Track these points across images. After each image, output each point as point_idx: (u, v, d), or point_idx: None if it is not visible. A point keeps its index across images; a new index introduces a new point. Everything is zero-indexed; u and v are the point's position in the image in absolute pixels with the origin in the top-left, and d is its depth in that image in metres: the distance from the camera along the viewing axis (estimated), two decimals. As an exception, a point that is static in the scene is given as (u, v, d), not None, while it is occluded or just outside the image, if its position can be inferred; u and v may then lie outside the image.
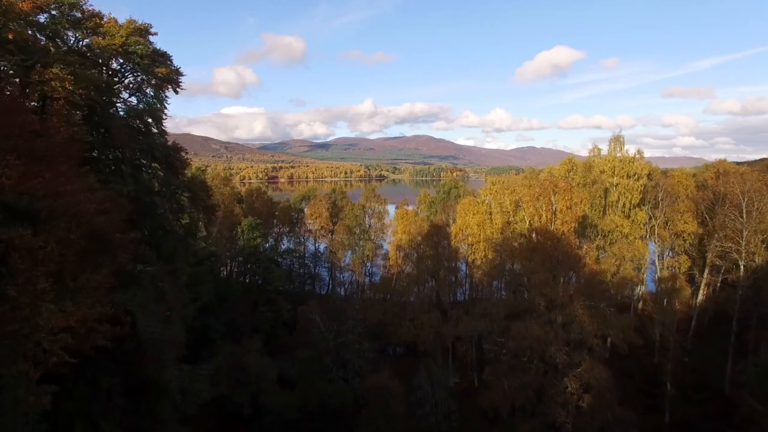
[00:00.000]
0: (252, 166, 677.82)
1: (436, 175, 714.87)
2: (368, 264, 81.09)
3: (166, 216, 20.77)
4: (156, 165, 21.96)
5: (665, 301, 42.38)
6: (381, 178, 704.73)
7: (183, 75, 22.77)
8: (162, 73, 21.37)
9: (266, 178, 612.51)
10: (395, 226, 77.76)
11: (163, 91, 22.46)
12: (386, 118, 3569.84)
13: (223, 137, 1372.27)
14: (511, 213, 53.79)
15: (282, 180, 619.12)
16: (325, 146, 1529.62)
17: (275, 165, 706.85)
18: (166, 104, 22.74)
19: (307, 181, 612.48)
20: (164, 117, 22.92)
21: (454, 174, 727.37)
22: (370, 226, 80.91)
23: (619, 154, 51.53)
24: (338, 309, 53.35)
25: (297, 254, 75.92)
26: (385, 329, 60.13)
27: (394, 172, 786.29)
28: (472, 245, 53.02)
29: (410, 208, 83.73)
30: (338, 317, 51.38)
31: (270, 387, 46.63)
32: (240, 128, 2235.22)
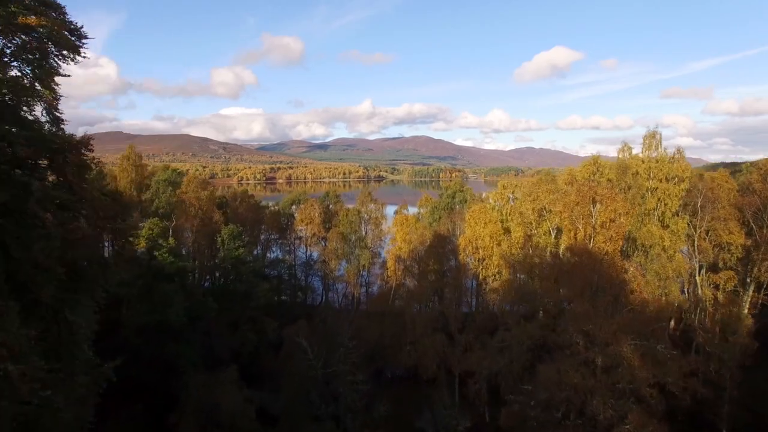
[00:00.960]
0: (250, 167, 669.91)
1: (435, 175, 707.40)
2: (364, 273, 73.70)
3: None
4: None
5: (718, 328, 35.04)
6: (380, 178, 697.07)
7: (85, 37, 15.41)
8: (36, 25, 13.63)
9: (264, 179, 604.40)
10: (394, 233, 70.39)
11: (52, 56, 14.88)
12: (385, 119, 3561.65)
13: (221, 138, 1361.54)
14: (533, 224, 46.37)
15: (280, 181, 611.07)
16: (323, 147, 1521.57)
17: (273, 166, 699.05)
18: (55, 78, 15.18)
19: (305, 182, 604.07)
20: (56, 97, 15.44)
21: (453, 174, 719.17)
22: (366, 233, 73.46)
23: (654, 154, 44.24)
24: (329, 330, 46.04)
25: (286, 264, 68.39)
26: (382, 351, 52.78)
27: (392, 173, 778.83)
28: (483, 260, 45.52)
29: (410, 212, 76.33)
30: (329, 341, 44.07)
31: (247, 427, 39.26)
32: (238, 129, 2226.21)
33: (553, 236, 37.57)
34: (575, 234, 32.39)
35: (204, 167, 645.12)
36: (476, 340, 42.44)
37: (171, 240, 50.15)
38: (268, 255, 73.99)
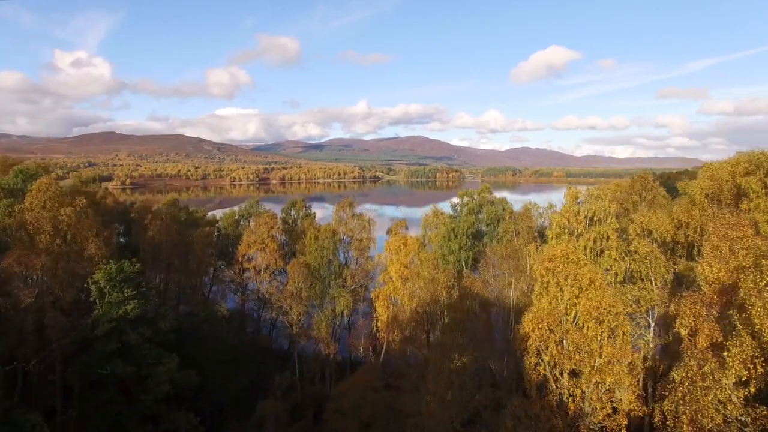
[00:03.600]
0: (243, 168, 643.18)
1: (431, 176, 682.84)
2: (344, 320, 49.47)
3: None
4: None
5: None
6: (375, 179, 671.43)
7: None
8: None
9: (257, 179, 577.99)
10: (386, 263, 46.31)
11: None
12: (381, 119, 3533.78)
13: (217, 138, 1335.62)
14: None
15: (274, 181, 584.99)
16: (319, 147, 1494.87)
17: (267, 166, 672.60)
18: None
19: (299, 183, 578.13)
20: None
21: (450, 175, 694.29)
22: (346, 263, 49.13)
23: None
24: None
25: (221, 315, 43.75)
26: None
27: (388, 173, 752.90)
28: (579, 374, 20.80)
29: (409, 232, 52.00)
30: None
31: None
32: (234, 129, 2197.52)
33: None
34: None
35: (196, 167, 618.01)
36: None
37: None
38: (195, 301, 49.27)
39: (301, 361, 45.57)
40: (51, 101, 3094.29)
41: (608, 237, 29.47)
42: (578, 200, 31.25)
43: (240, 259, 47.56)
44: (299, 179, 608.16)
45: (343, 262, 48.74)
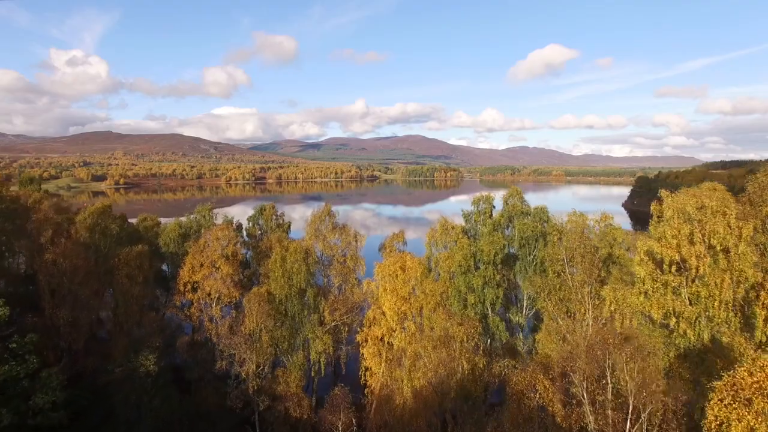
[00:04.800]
0: (239, 167, 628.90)
1: (429, 175, 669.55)
2: (322, 369, 36.91)
3: None
4: None
5: None
6: (373, 178, 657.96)
7: None
8: None
9: (253, 179, 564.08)
10: (377, 296, 34.23)
11: None
12: (378, 119, 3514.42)
13: (214, 138, 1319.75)
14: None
15: (270, 181, 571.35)
16: (316, 146, 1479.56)
17: (263, 165, 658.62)
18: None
19: (296, 182, 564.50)
20: None
21: (448, 174, 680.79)
22: (324, 292, 36.63)
23: None
24: None
25: (146, 370, 31.07)
26: None
27: (386, 172, 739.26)
28: None
29: (407, 249, 39.48)
30: None
31: None
32: (231, 129, 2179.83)
33: None
34: None
35: (192, 167, 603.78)
36: None
37: None
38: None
39: (264, 427, 33.18)
40: (47, 100, 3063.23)
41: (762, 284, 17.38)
42: (679, 214, 18.94)
43: (182, 288, 35.15)
44: (296, 178, 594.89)
45: (321, 291, 36.26)
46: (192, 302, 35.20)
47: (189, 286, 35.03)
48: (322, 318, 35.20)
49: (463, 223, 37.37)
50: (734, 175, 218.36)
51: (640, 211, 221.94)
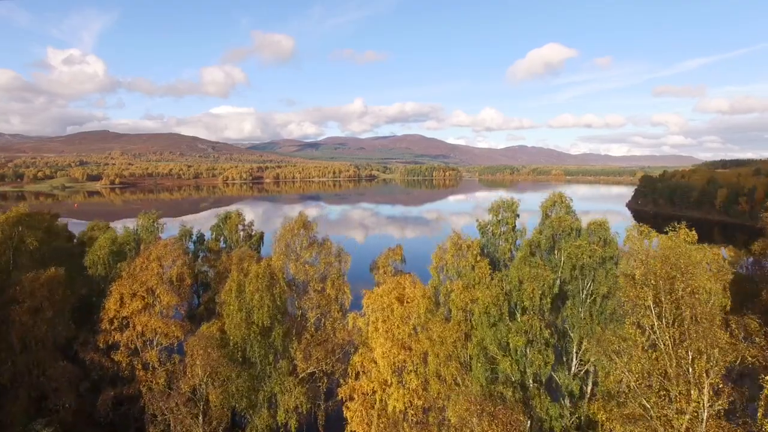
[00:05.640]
0: (236, 166, 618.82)
1: (428, 174, 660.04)
2: None
3: None
4: None
5: None
6: (371, 177, 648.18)
7: None
8: None
9: (251, 178, 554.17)
10: (366, 335, 25.31)
11: None
12: (377, 118, 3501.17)
13: (212, 137, 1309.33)
14: None
15: (267, 180, 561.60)
16: (315, 146, 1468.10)
17: (261, 165, 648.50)
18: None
19: (293, 182, 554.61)
20: None
21: (447, 173, 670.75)
22: (295, 333, 27.60)
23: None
24: None
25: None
26: None
27: (384, 172, 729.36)
28: None
29: (405, 269, 30.38)
30: None
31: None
32: (229, 128, 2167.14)
33: None
34: None
35: (189, 166, 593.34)
36: None
37: None
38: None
39: None
40: (44, 99, 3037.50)
41: None
42: None
43: (107, 326, 26.17)
44: (294, 178, 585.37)
45: (292, 329, 27.30)
46: (120, 344, 26.25)
47: (115, 324, 26.10)
48: (293, 365, 26.25)
49: (479, 237, 28.38)
50: (742, 174, 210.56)
51: (644, 212, 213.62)
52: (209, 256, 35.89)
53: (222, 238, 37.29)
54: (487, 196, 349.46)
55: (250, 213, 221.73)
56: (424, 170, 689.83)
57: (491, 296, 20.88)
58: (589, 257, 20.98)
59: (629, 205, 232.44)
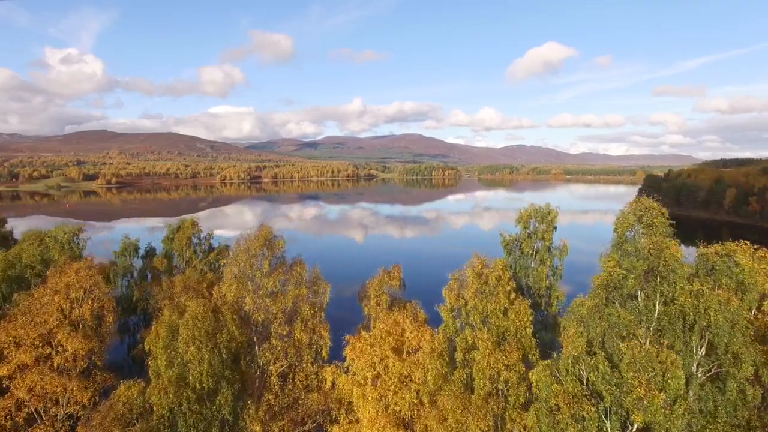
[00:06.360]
0: (234, 166, 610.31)
1: (427, 173, 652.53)
2: None
3: None
4: None
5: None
6: (370, 177, 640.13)
7: None
8: None
9: (249, 178, 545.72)
10: (350, 398, 17.22)
11: None
12: (376, 117, 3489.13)
13: (211, 137, 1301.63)
14: None
15: (266, 180, 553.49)
16: (313, 145, 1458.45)
17: (259, 164, 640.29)
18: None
19: (292, 181, 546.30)
20: None
21: (446, 173, 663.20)
22: (252, 394, 19.82)
23: None
24: None
25: None
26: None
27: (383, 171, 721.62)
28: None
29: (405, 296, 22.73)
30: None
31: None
32: (228, 128, 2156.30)
33: None
34: None
35: (186, 166, 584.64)
36: None
37: None
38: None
39: None
40: (42, 99, 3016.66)
41: None
42: None
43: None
44: (292, 177, 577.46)
45: (248, 387, 19.58)
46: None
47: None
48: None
49: (503, 256, 20.68)
50: (750, 173, 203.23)
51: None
52: (149, 283, 27.97)
53: (171, 255, 29.58)
54: (487, 195, 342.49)
55: (249, 213, 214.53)
56: (423, 169, 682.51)
57: (562, 391, 12.75)
58: (719, 306, 12.63)
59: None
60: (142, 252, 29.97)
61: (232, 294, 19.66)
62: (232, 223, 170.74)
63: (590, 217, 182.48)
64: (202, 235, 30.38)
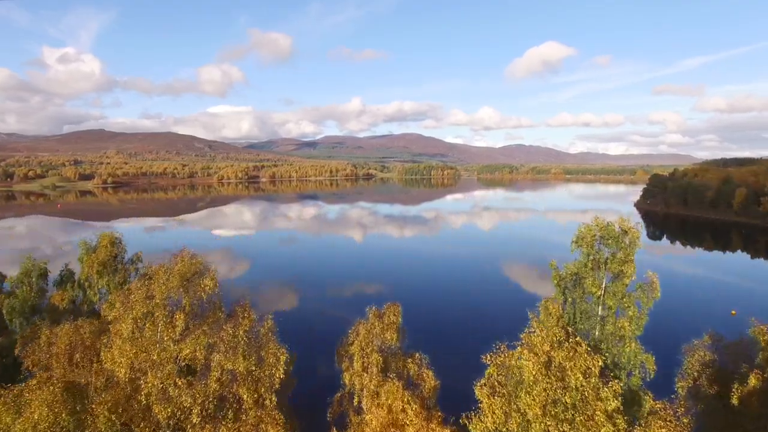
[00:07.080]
0: (231, 165, 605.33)
1: (426, 173, 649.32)
2: None
3: None
4: None
5: None
6: (368, 176, 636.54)
7: None
8: None
9: (246, 177, 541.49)
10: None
11: None
12: (375, 117, 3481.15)
13: (210, 136, 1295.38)
14: None
15: (263, 179, 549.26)
16: (312, 145, 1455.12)
17: (257, 164, 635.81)
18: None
19: (290, 181, 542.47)
20: None
21: (445, 172, 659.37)
22: None
23: None
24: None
25: None
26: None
27: (382, 171, 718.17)
28: None
29: (405, 347, 17.41)
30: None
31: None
32: (227, 127, 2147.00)
33: None
34: None
35: (184, 165, 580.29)
36: None
37: None
38: None
39: None
40: (40, 98, 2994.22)
41: None
42: None
43: None
44: (290, 177, 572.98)
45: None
46: None
47: None
48: None
49: (555, 290, 15.45)
50: (758, 173, 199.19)
51: (654, 212, 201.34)
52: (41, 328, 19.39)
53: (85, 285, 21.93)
54: (486, 195, 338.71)
55: (247, 213, 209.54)
56: (423, 169, 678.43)
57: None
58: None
59: (637, 205, 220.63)
60: (56, 277, 22.27)
61: (124, 370, 13.30)
62: (231, 223, 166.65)
63: (589, 217, 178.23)
64: (126, 257, 23.04)
